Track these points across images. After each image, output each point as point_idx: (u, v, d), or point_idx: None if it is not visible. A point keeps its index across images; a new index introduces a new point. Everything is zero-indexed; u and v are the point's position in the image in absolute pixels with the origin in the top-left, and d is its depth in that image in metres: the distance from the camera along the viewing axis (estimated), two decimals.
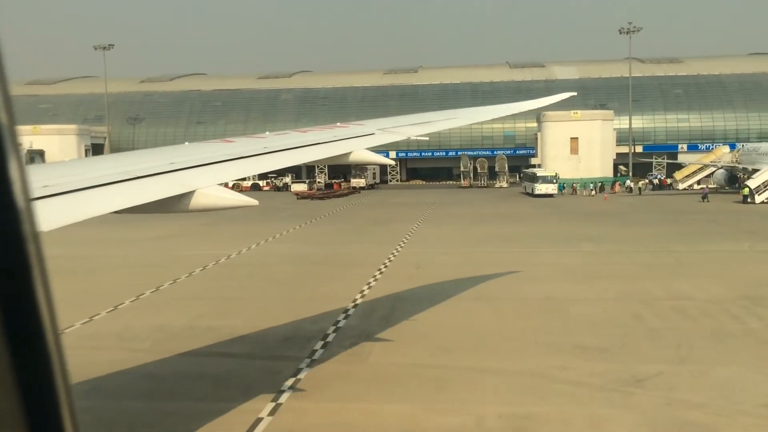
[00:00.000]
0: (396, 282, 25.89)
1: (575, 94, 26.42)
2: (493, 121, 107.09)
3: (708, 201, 60.27)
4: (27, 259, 1.09)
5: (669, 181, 79.56)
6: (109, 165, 9.41)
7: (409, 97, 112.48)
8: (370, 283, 25.93)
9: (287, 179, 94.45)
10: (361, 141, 13.21)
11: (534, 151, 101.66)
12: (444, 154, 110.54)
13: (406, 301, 22.70)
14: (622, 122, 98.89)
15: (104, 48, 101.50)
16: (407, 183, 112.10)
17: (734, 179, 68.96)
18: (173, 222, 46.40)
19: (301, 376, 15.35)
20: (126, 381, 15.31)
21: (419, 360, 16.40)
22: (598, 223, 45.51)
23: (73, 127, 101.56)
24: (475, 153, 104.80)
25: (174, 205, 8.09)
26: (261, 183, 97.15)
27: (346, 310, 21.47)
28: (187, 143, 13.02)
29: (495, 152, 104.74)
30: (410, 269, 28.84)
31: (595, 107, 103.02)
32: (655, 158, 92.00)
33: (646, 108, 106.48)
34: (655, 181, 79.89)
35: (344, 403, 13.78)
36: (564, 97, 21.54)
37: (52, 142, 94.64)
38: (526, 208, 58.77)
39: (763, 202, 56.72)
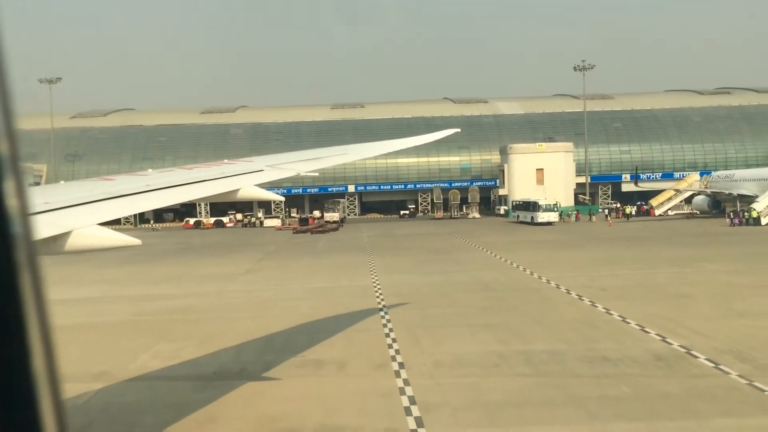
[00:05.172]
0: (616, 303, 25.76)
1: (459, 130, 26.72)
2: (450, 153, 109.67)
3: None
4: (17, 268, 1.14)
5: (646, 207, 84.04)
6: None
7: (364, 131, 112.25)
8: (596, 305, 25.64)
9: (260, 214, 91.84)
10: (250, 177, 13.25)
11: (495, 183, 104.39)
12: (403, 186, 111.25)
13: (686, 321, 22.55)
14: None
15: (50, 81, 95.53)
16: (365, 217, 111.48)
17: (717, 204, 73.74)
18: (232, 258, 43.93)
19: None
20: None
21: None
22: (658, 246, 47.02)
23: None
24: (432, 185, 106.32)
25: (48, 247, 7.68)
26: (224, 219, 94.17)
27: (642, 328, 21.12)
28: (62, 182, 12.84)
29: (452, 184, 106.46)
30: (594, 291, 28.77)
31: (544, 140, 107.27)
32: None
33: (589, 140, 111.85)
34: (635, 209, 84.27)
35: None
36: (449, 133, 22.21)
37: None
38: (550, 235, 59.76)
39: None
